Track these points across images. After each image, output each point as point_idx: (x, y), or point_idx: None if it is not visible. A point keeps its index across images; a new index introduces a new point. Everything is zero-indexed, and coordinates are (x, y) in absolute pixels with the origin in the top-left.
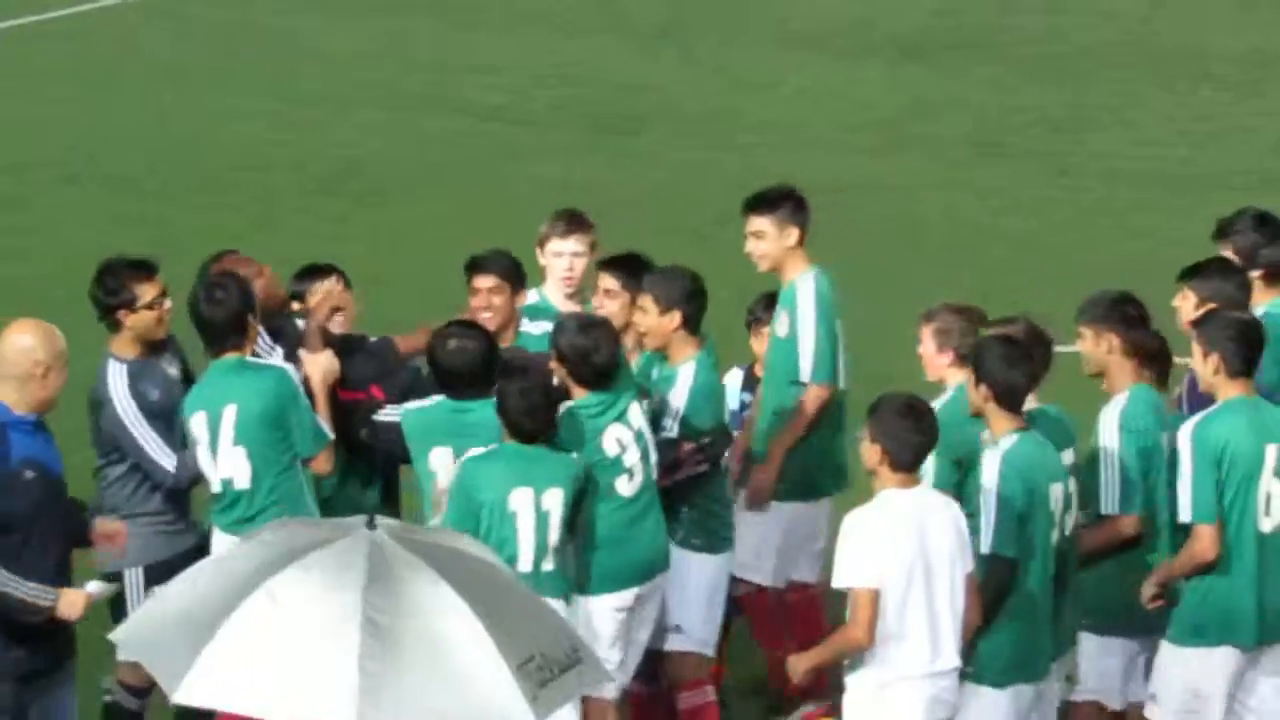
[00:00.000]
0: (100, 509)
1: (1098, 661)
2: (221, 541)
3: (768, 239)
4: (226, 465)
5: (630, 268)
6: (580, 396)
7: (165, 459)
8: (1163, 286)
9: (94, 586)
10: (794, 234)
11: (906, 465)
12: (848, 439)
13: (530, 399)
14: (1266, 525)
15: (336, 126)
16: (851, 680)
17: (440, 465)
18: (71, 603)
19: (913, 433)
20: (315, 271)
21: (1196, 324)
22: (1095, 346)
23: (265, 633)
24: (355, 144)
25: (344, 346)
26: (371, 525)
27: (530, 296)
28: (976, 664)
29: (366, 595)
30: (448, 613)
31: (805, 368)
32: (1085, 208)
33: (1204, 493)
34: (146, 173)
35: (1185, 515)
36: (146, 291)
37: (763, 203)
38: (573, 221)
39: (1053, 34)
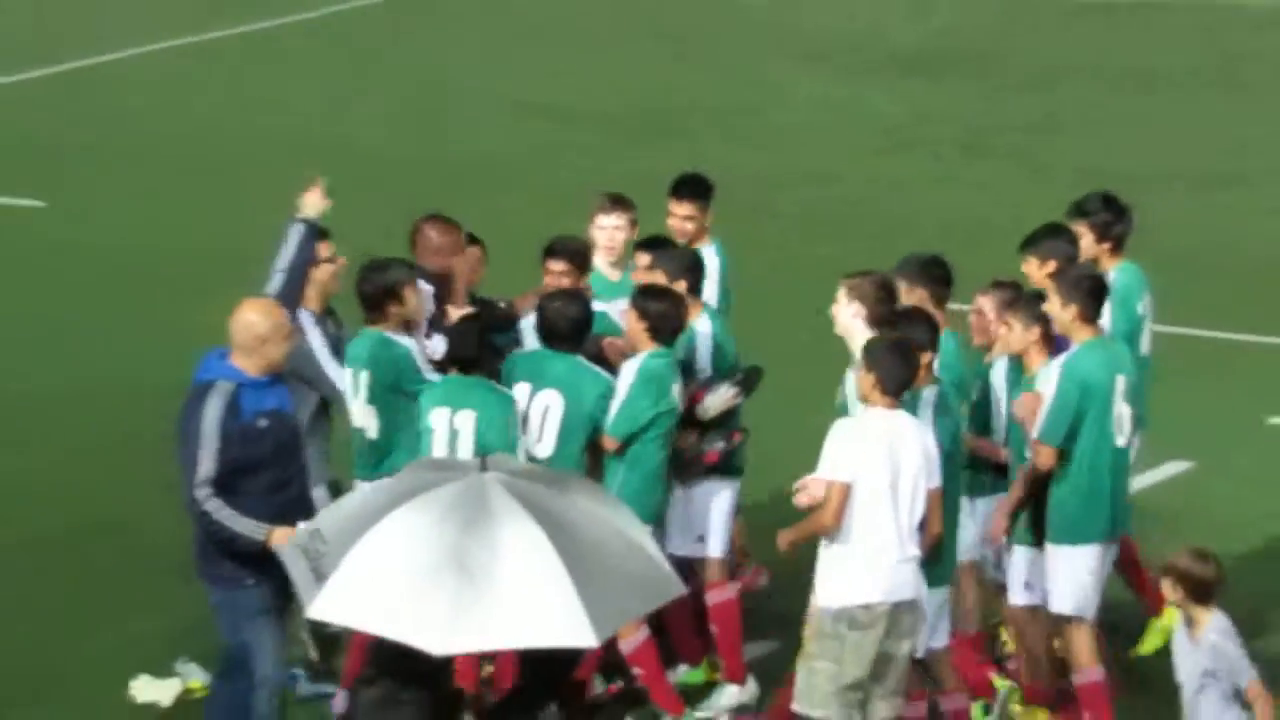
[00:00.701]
0: None
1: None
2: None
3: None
4: (361, 418)
5: (659, 246)
6: (649, 349)
7: (338, 379)
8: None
9: (302, 525)
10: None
11: (892, 392)
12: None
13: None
14: (1120, 441)
15: (452, 129)
16: (825, 557)
17: (520, 396)
18: (279, 537)
19: (900, 367)
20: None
21: (1054, 278)
22: (908, 296)
23: (378, 563)
24: (462, 141)
25: (481, 303)
26: (484, 467)
27: None
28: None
29: (463, 535)
30: (532, 553)
31: None
32: (1054, 200)
33: (1058, 419)
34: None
35: (1036, 433)
36: (322, 250)
37: None
38: (616, 202)
39: (1029, 53)
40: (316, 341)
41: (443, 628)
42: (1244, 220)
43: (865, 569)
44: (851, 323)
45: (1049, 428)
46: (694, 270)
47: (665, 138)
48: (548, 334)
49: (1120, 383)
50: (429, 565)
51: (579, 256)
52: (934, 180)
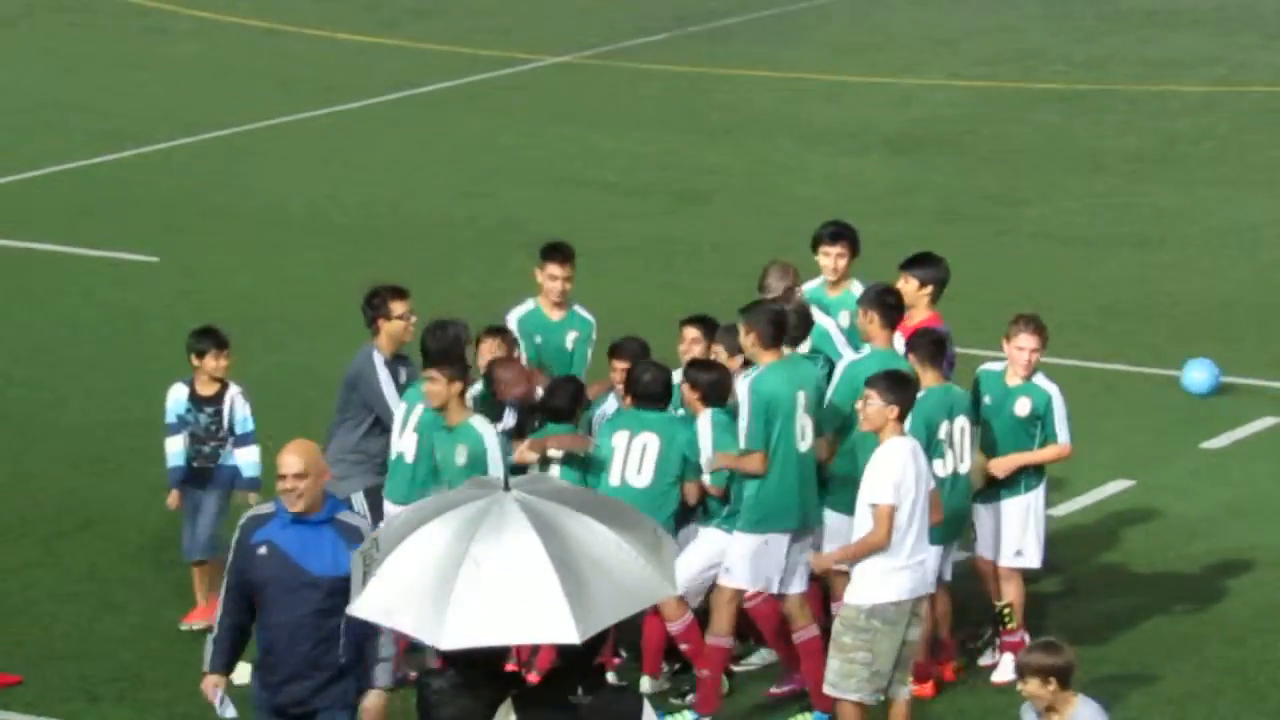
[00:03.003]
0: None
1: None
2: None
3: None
4: (403, 444)
5: (708, 324)
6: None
7: (394, 406)
8: (1070, 305)
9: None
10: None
11: (906, 420)
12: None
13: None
14: (802, 447)
15: (506, 195)
16: (862, 566)
17: (620, 441)
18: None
19: (911, 398)
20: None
21: (741, 312)
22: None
23: (402, 569)
24: (516, 205)
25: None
26: (506, 486)
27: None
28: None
29: (473, 546)
30: (526, 559)
31: None
32: (1018, 259)
33: (754, 427)
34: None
35: (744, 443)
36: (397, 308)
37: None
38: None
39: (995, 136)
40: (382, 376)
41: (448, 625)
42: (1178, 276)
43: (895, 570)
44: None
45: (749, 435)
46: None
47: (697, 206)
48: (642, 397)
49: (801, 397)
50: (441, 569)
51: (639, 355)
52: (915, 241)
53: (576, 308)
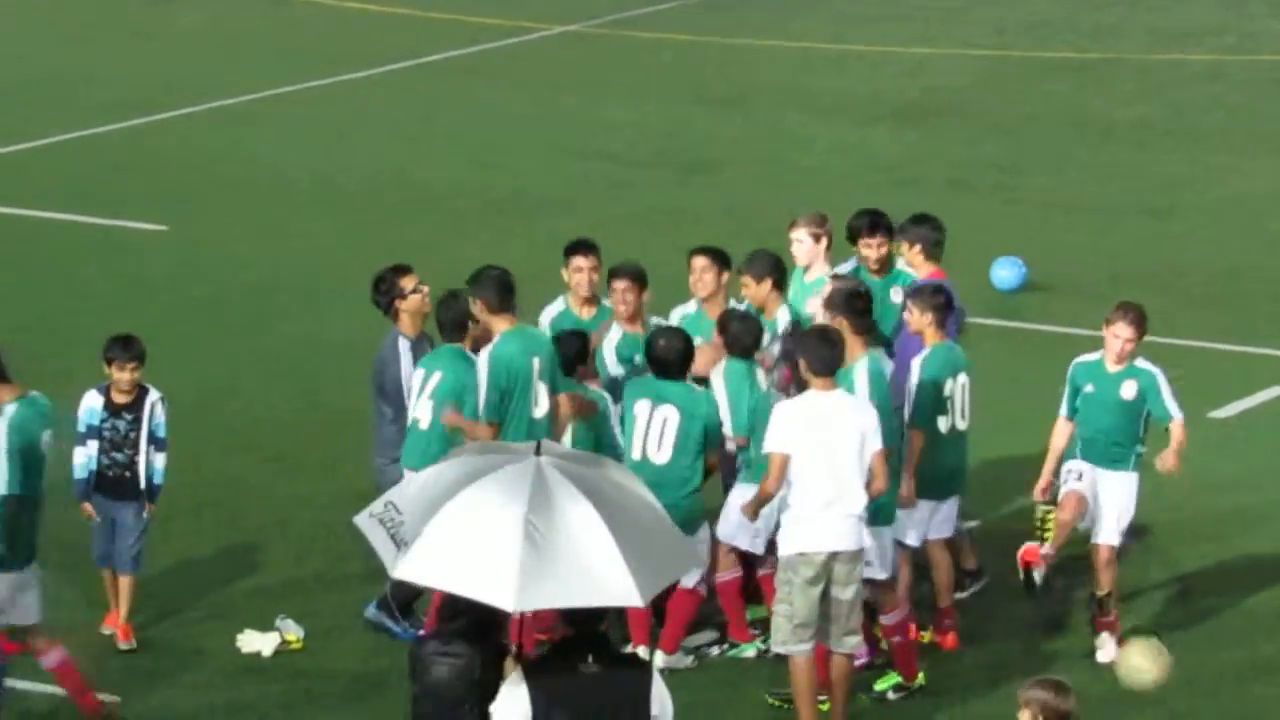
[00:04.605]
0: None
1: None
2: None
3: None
4: (419, 411)
5: (718, 253)
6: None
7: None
8: (1079, 274)
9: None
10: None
11: (822, 373)
12: None
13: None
14: (537, 413)
15: (513, 165)
16: (783, 518)
17: (641, 412)
18: None
19: (826, 348)
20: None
21: (469, 280)
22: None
23: (455, 532)
24: (524, 175)
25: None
26: (538, 451)
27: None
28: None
29: (529, 512)
30: (586, 523)
31: None
32: (1027, 228)
33: (489, 396)
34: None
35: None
36: (408, 283)
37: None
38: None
39: (1003, 105)
40: (406, 369)
41: (514, 589)
42: (1186, 245)
43: (802, 522)
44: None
45: (485, 405)
46: (777, 269)
47: (705, 176)
48: (660, 366)
49: (536, 364)
50: (500, 536)
51: (640, 275)
52: (925, 210)
53: (606, 302)
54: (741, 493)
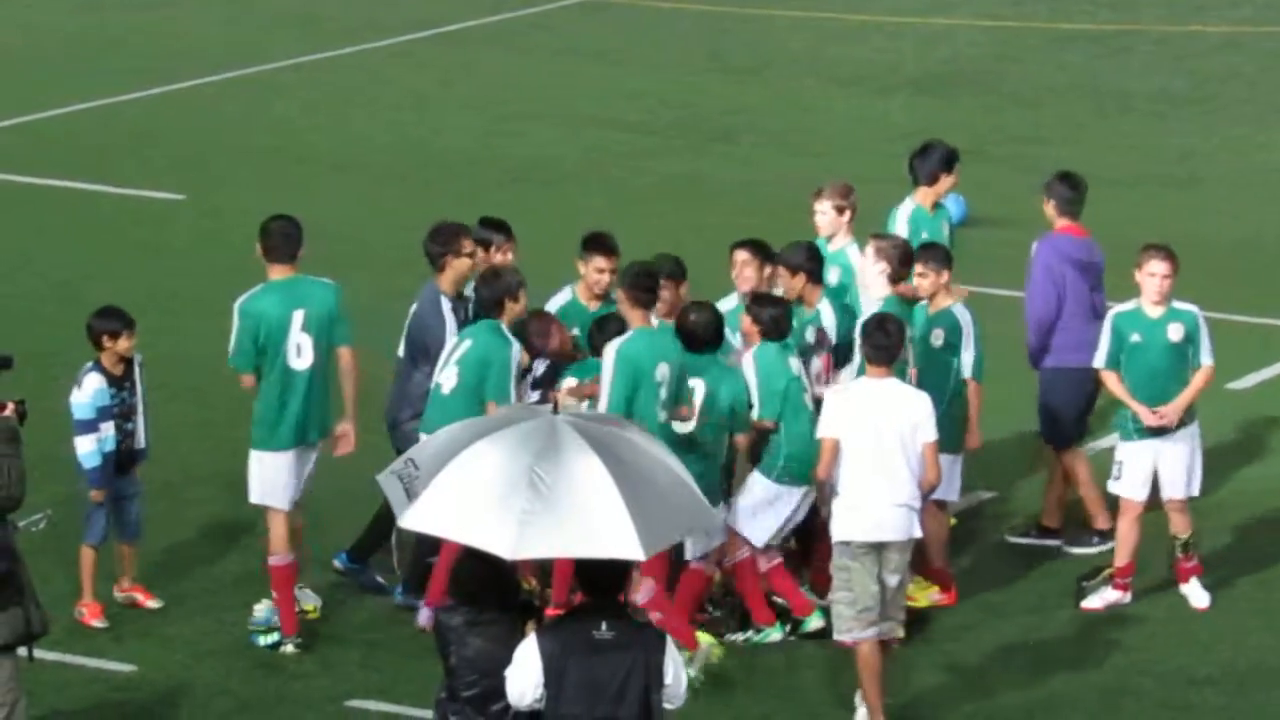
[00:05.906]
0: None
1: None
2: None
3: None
4: (443, 375)
5: (760, 246)
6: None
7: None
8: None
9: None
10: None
11: (877, 362)
12: None
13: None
14: (298, 365)
15: (533, 134)
16: (835, 505)
17: (661, 377)
18: None
19: (883, 337)
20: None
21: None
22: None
23: (460, 482)
24: (544, 144)
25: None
26: (555, 410)
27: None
28: None
29: (534, 462)
30: (592, 478)
31: None
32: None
33: (238, 349)
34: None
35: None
36: (467, 245)
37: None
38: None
39: (1022, 76)
40: (450, 326)
41: (513, 537)
42: (1204, 217)
43: (848, 509)
44: (877, 279)
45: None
46: (812, 259)
47: (724, 146)
48: (690, 341)
49: (298, 317)
50: (504, 484)
51: (678, 270)
52: None
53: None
54: (758, 480)
